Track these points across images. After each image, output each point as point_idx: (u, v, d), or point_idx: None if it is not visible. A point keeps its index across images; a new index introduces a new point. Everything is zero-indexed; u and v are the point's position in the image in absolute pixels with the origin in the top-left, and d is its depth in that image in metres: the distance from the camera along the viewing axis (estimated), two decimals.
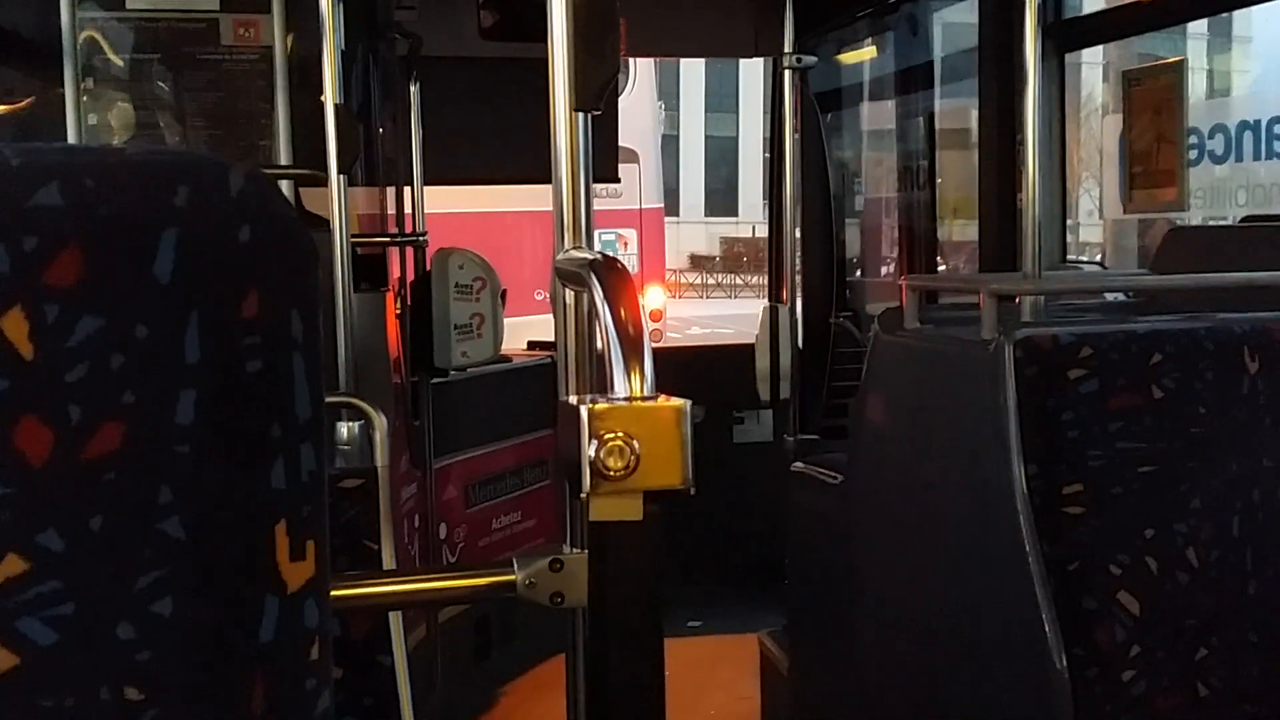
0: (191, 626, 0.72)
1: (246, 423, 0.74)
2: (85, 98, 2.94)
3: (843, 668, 2.80)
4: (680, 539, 4.97)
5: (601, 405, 0.89)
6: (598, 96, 1.22)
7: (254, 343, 0.73)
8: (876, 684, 2.59)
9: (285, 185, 2.93)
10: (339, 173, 2.51)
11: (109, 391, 0.69)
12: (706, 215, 35.19)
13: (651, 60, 10.75)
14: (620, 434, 0.88)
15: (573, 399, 0.91)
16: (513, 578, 1.14)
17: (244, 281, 0.73)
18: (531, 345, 4.66)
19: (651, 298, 10.96)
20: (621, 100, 6.51)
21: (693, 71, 34.17)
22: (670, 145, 31.44)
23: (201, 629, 0.73)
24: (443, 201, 5.56)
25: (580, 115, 1.23)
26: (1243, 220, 3.02)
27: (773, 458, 3.78)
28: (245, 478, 0.74)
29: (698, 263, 31.85)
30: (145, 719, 0.71)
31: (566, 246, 1.26)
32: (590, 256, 1.10)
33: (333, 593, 0.83)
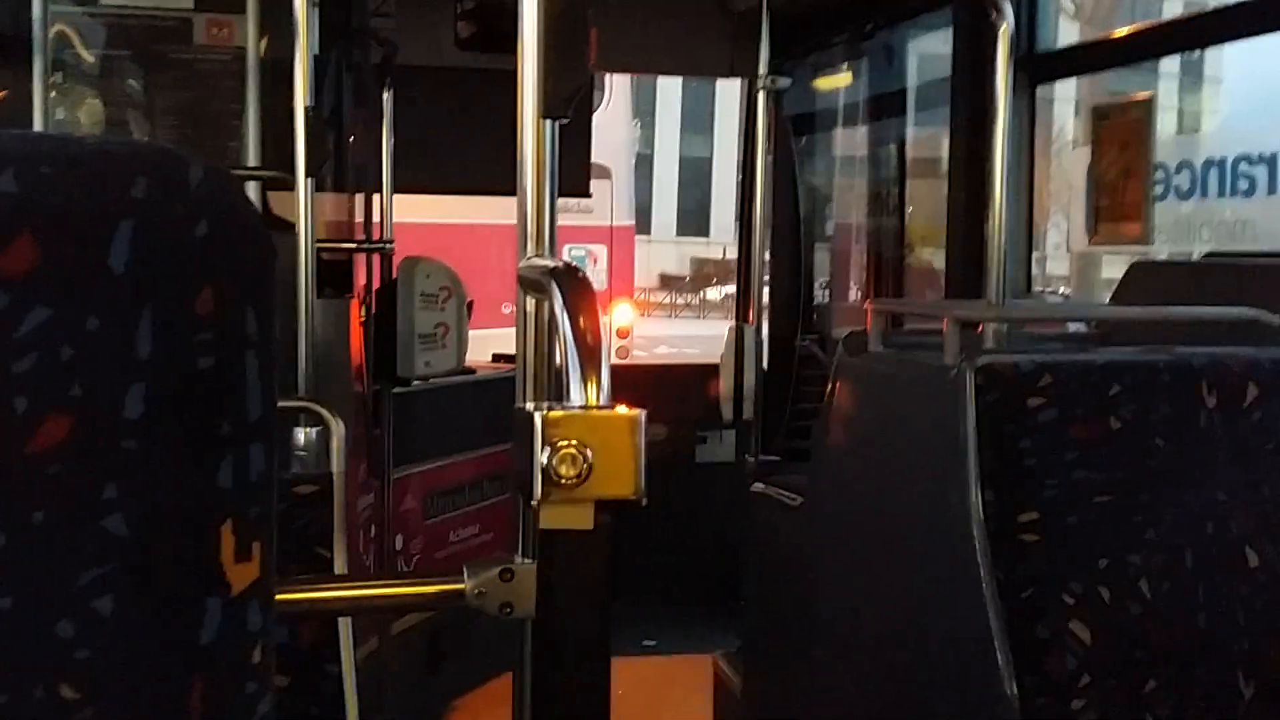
0: (132, 625, 0.71)
1: (196, 420, 0.73)
2: (54, 93, 2.92)
3: (795, 690, 2.80)
4: (639, 557, 4.96)
5: (556, 412, 0.89)
6: (566, 104, 1.21)
7: (207, 339, 0.72)
8: (828, 707, 2.59)
9: (252, 187, 2.92)
10: (306, 176, 2.49)
11: (57, 383, 0.68)
12: (678, 235, 35.25)
13: (628, 77, 10.78)
14: (574, 442, 0.87)
15: (528, 405, 0.90)
16: (462, 586, 1.13)
17: (199, 277, 0.72)
18: (496, 358, 4.64)
19: (619, 315, 10.97)
20: (596, 116, 6.52)
21: (669, 91, 34.27)
22: (644, 164, 31.50)
23: (142, 628, 0.72)
24: (413, 211, 5.54)
25: (548, 123, 1.23)
26: (1204, 256, 3.06)
27: (734, 478, 3.78)
28: (192, 476, 0.73)
29: (668, 282, 31.89)
30: (81, 718, 0.70)
31: (530, 254, 1.25)
32: (552, 264, 1.09)
33: (277, 596, 0.81)
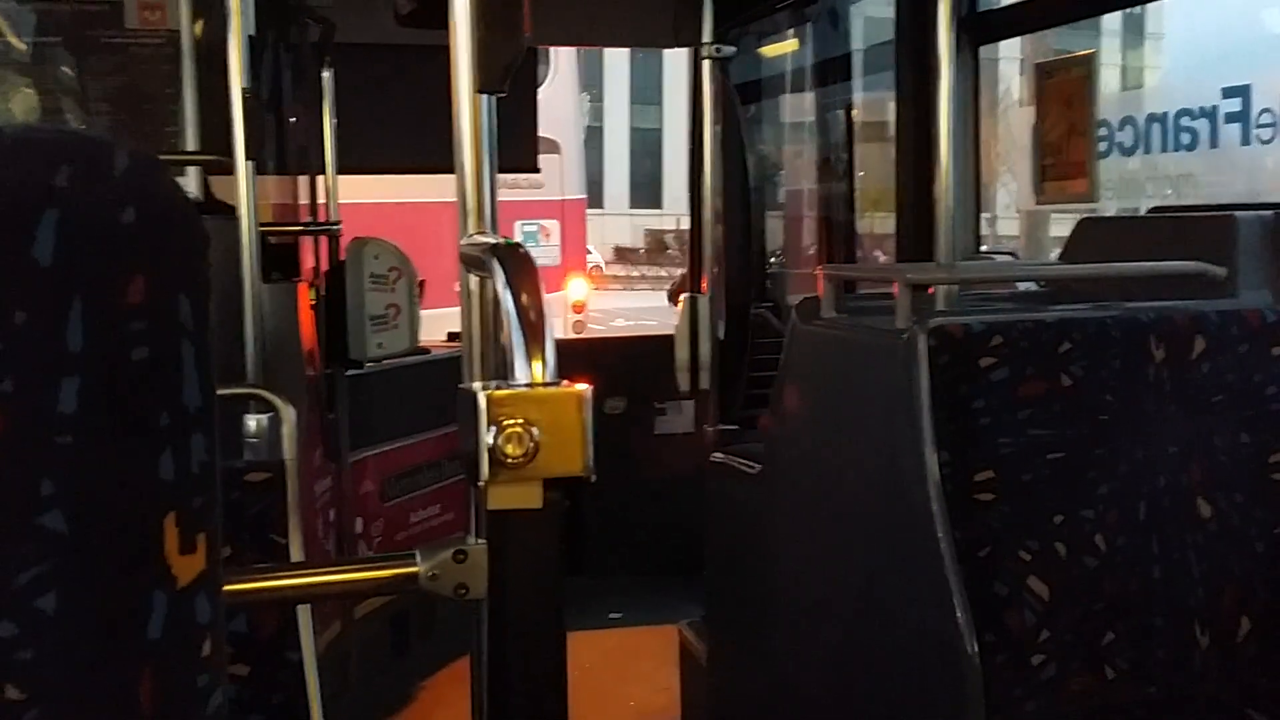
0: (76, 623, 0.70)
1: (133, 412, 0.71)
2: None
3: (759, 656, 2.81)
4: (602, 530, 4.97)
5: (500, 391, 0.88)
6: (501, 78, 1.20)
7: (140, 329, 0.71)
8: (792, 671, 2.61)
9: (193, 172, 2.87)
10: (246, 159, 2.46)
11: None
12: (631, 207, 35.22)
13: (574, 50, 10.72)
14: (519, 420, 0.87)
15: (472, 385, 0.89)
16: (416, 570, 1.12)
17: (129, 265, 0.70)
18: (452, 337, 4.62)
19: (574, 290, 10.95)
20: (542, 90, 6.47)
21: (617, 63, 34.15)
22: (594, 137, 31.40)
23: (86, 626, 0.70)
24: (362, 192, 5.49)
25: (484, 97, 1.21)
26: (1150, 211, 3.08)
27: (694, 449, 3.78)
28: (132, 469, 0.71)
29: (622, 255, 31.87)
30: (26, 719, 0.69)
31: (470, 231, 1.24)
32: (493, 241, 1.08)
33: (228, 587, 0.80)
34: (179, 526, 0.74)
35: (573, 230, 10.85)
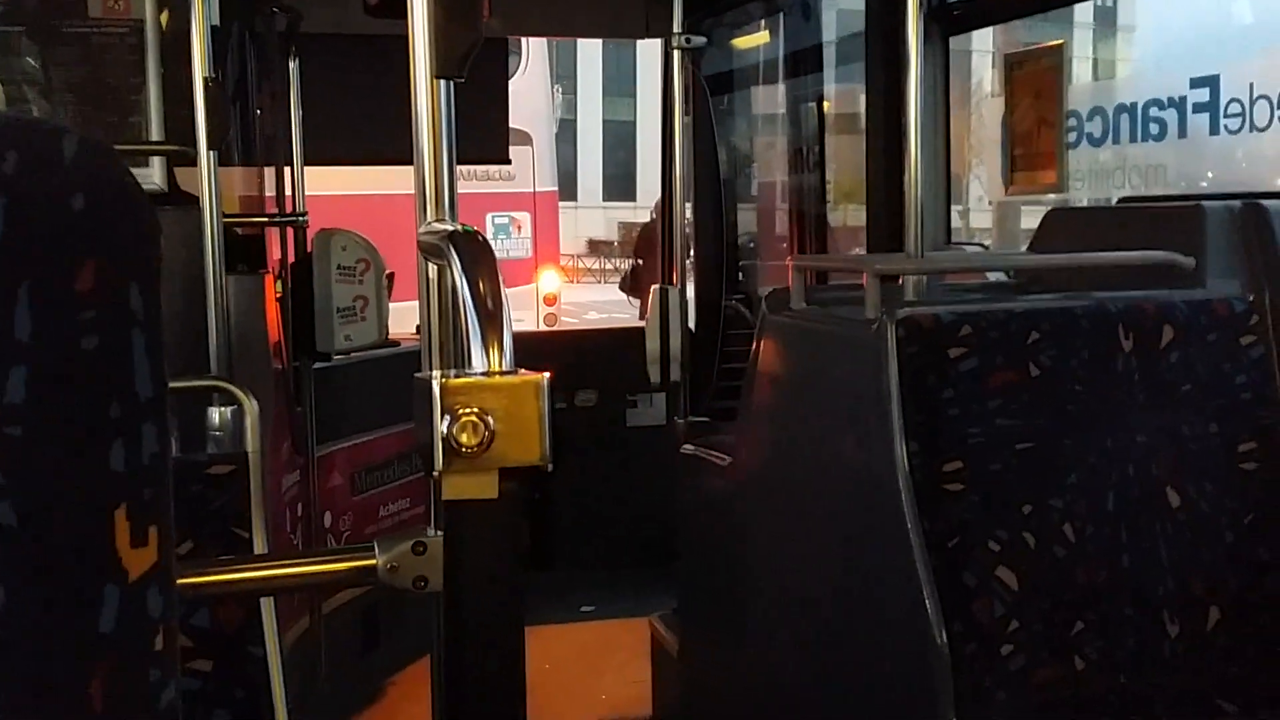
0: (24, 618, 0.68)
1: (82, 402, 0.69)
2: None
3: (730, 647, 2.80)
4: (574, 523, 4.95)
5: (455, 380, 0.86)
6: (460, 64, 1.18)
7: (90, 317, 0.69)
8: (763, 662, 2.60)
9: (157, 163, 2.84)
10: (209, 149, 2.43)
11: None
12: (605, 200, 35.16)
13: (545, 41, 10.68)
14: (475, 409, 0.85)
15: (429, 374, 0.88)
16: (374, 562, 1.10)
17: (78, 252, 0.69)
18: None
19: (546, 282, 10.91)
20: (514, 82, 6.44)
21: (590, 55, 34.07)
22: (568, 129, 31.33)
23: (36, 620, 0.68)
24: (331, 183, 5.45)
25: (442, 83, 1.19)
26: (1119, 201, 3.08)
27: (665, 441, 3.77)
28: (81, 460, 0.70)
29: (596, 248, 31.83)
30: None
31: (429, 219, 1.22)
32: (450, 228, 1.06)
33: (183, 580, 0.78)
34: (130, 519, 0.72)
35: (545, 223, 10.81)
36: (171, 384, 0.73)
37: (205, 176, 2.43)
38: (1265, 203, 2.40)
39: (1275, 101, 3.86)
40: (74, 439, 0.69)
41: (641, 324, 3.93)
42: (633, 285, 17.02)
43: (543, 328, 9.96)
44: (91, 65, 3.05)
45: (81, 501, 0.70)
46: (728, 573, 2.78)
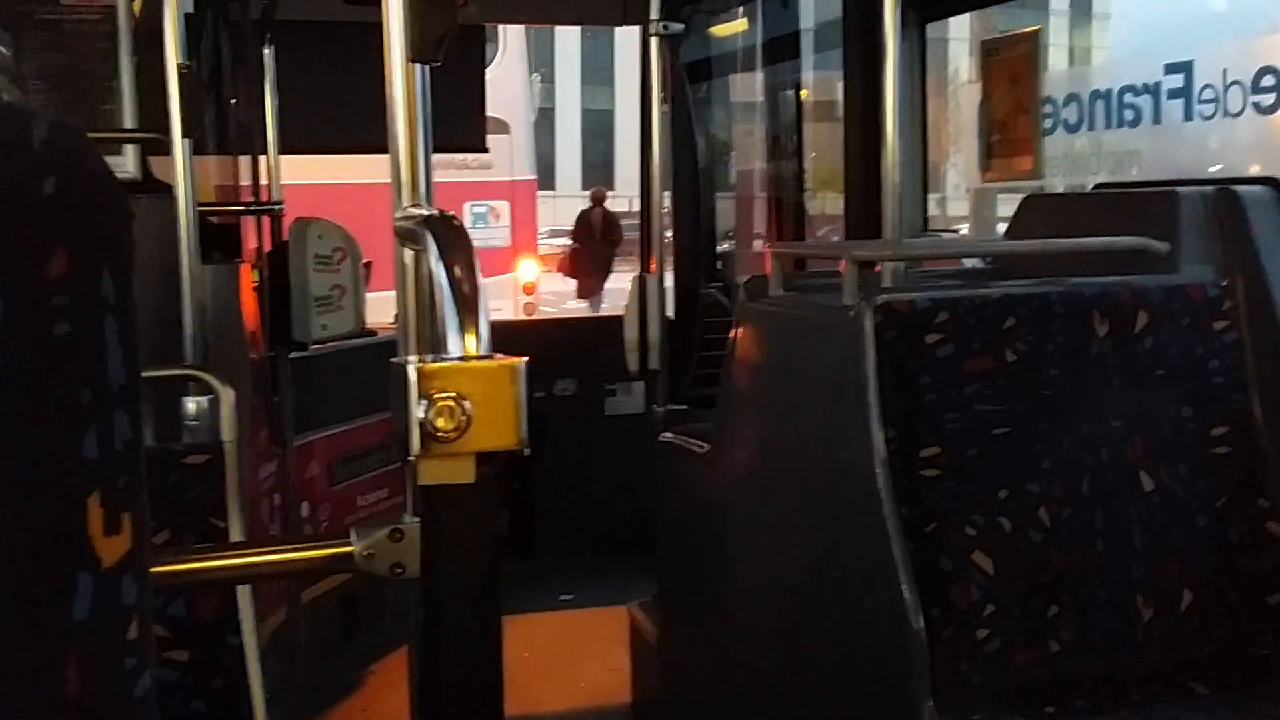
0: None
1: (54, 389, 0.69)
2: None
3: (709, 634, 2.81)
4: (553, 512, 4.95)
5: (431, 365, 0.86)
6: (435, 48, 1.17)
7: (62, 304, 0.68)
8: (741, 648, 2.61)
9: (131, 151, 2.82)
10: (184, 137, 2.41)
11: None
12: (584, 189, 35.06)
13: (523, 29, 10.64)
14: (451, 394, 0.85)
15: (404, 359, 0.87)
16: (351, 549, 1.10)
17: (49, 238, 0.68)
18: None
19: (524, 271, 10.88)
20: (491, 70, 6.42)
21: (569, 43, 33.98)
22: (546, 118, 31.24)
23: (8, 609, 0.68)
24: (308, 172, 5.42)
25: (418, 67, 1.18)
26: (1094, 187, 3.09)
27: (644, 429, 3.77)
28: (54, 447, 0.69)
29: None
30: None
31: (404, 204, 1.21)
32: (426, 213, 1.06)
33: (157, 568, 0.78)
34: (103, 506, 0.71)
35: (523, 211, 10.78)
36: (147, 374, 0.73)
37: (180, 165, 2.42)
38: (1238, 188, 2.42)
39: (1248, 87, 3.89)
40: (45, 425, 0.69)
41: (618, 313, 3.93)
42: (571, 268, 17.21)
43: (521, 317, 9.95)
44: (64, 52, 3.02)
45: (54, 489, 0.69)
46: (706, 560, 2.79)
